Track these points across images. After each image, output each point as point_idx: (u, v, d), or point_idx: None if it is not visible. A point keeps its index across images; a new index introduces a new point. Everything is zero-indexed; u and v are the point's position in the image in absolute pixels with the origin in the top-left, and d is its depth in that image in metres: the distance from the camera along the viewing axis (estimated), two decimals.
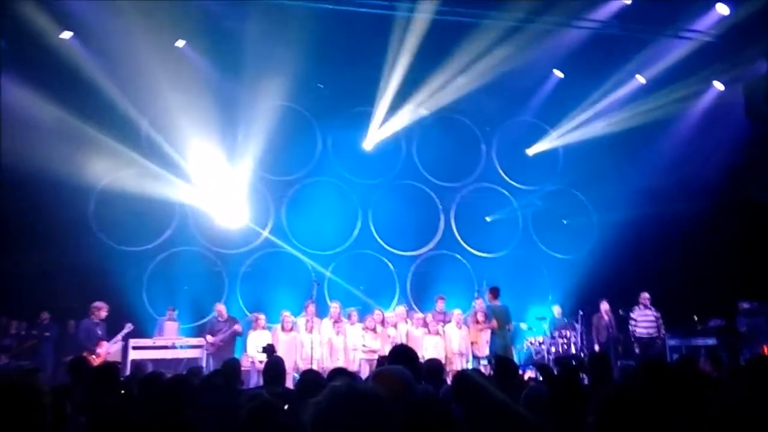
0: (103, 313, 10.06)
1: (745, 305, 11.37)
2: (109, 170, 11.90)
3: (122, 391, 5.08)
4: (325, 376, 5.21)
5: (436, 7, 10.99)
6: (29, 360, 10.11)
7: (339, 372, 5.79)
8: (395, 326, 11.07)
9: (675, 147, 13.40)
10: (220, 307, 11.00)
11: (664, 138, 13.60)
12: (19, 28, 10.31)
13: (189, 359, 9.92)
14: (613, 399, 2.01)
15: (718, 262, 12.24)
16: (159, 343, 10.27)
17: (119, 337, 10.04)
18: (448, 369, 9.31)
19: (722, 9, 11.55)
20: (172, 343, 10.27)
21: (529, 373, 8.79)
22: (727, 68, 12.75)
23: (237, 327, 10.70)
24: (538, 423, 3.59)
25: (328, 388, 2.12)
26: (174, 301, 11.34)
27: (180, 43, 11.87)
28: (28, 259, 10.73)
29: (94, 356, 9.36)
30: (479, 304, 11.27)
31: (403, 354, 4.16)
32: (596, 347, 11.27)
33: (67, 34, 11.07)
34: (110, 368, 5.14)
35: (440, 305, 11.65)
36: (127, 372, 9.01)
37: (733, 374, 5.28)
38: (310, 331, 10.45)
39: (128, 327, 10.15)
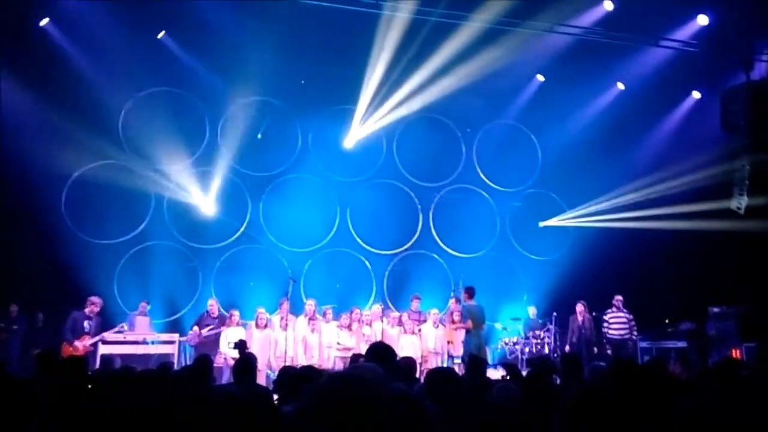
0: (96, 309, 9.94)
1: (715, 310, 11.61)
2: (84, 161, 11.71)
3: (89, 386, 4.99)
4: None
5: (420, 7, 10.98)
6: None
7: (310, 369, 5.76)
8: (370, 324, 11.05)
9: (653, 154, 13.58)
10: (213, 303, 10.90)
11: (641, 144, 13.77)
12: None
13: (160, 355, 9.78)
14: (578, 398, 2.01)
15: (690, 268, 12.45)
16: (129, 337, 10.10)
17: (106, 334, 9.90)
18: (423, 368, 9.32)
19: (702, 20, 11.73)
20: (143, 339, 10.12)
21: (498, 372, 8.83)
22: (706, 78, 12.96)
23: (223, 329, 10.51)
24: (510, 413, 3.60)
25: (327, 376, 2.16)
26: (147, 295, 11.17)
27: (161, 35, 11.73)
28: None
29: (71, 348, 9.23)
30: (454, 304, 11.30)
31: (380, 351, 4.13)
32: (567, 348, 11.40)
33: (44, 21, 10.85)
34: (77, 362, 5.04)
35: (415, 305, 11.65)
36: (96, 366, 8.86)
37: (701, 376, 5.36)
38: (285, 329, 10.37)
39: (121, 327, 10.05)
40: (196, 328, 10.49)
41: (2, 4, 9.99)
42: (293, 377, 4.68)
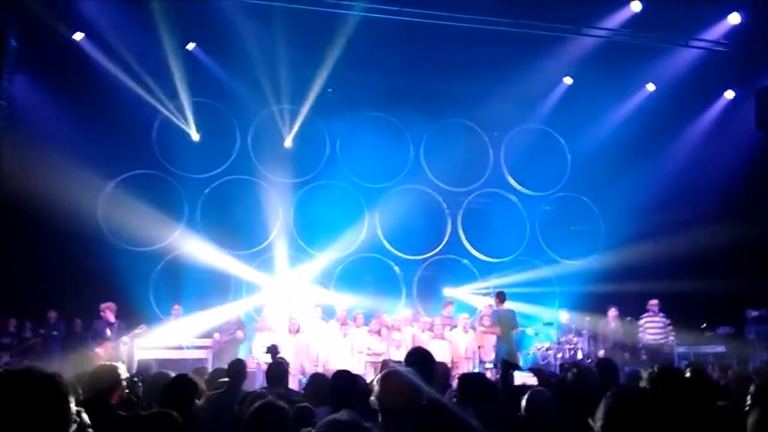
0: (109, 314, 10.10)
1: (754, 313, 11.33)
2: (119, 170, 12.01)
3: (126, 391, 5.09)
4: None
5: (448, 13, 11.00)
6: (35, 358, 10.17)
7: (342, 374, 5.79)
8: (399, 330, 11.05)
9: (685, 156, 13.35)
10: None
11: (674, 146, 13.54)
12: (31, 29, 10.39)
13: (194, 360, 9.90)
14: (623, 400, 2.00)
15: (727, 270, 12.16)
16: (165, 343, 10.26)
17: (126, 337, 10.07)
18: (454, 372, 9.28)
19: (734, 18, 11.50)
20: (179, 344, 10.27)
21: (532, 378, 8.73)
22: (738, 77, 12.71)
23: (239, 333, 10.63)
24: (543, 419, 3.57)
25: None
26: (181, 301, 11.34)
27: (191, 46, 11.96)
28: (37, 258, 10.82)
29: (93, 354, 9.41)
30: (486, 308, 11.26)
31: (419, 356, 4.12)
32: (601, 353, 11.21)
33: (79, 35, 11.14)
34: (110, 368, 5.13)
35: (448, 310, 11.62)
36: (134, 371, 9.01)
37: (739, 381, 5.24)
38: (316, 334, 10.45)
39: (141, 328, 10.19)
40: (216, 334, 10.59)
41: (35, 19, 10.28)
42: (324, 383, 4.73)
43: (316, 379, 5.31)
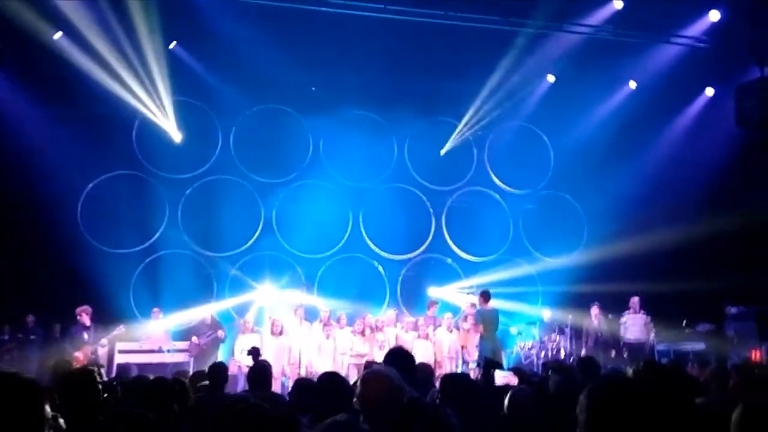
0: (86, 317, 9.95)
1: (733, 310, 11.44)
2: (98, 172, 11.85)
3: (104, 395, 5.00)
4: (315, 380, 5.14)
5: (429, 11, 10.99)
6: (13, 363, 10.00)
7: (329, 376, 5.73)
8: (383, 330, 11.01)
9: (666, 152, 13.45)
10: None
11: (655, 143, 13.64)
12: (9, 28, 10.20)
13: (175, 363, 9.81)
14: (607, 388, 1.98)
15: (708, 267, 12.28)
16: (145, 346, 10.14)
17: (104, 340, 9.93)
18: (438, 372, 9.25)
19: (714, 15, 11.61)
20: (159, 347, 10.15)
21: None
22: (718, 74, 12.82)
23: (220, 332, 10.59)
24: (524, 418, 3.56)
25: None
26: (161, 304, 11.22)
27: (172, 45, 11.83)
28: (15, 262, 10.65)
29: (73, 360, 9.26)
30: (469, 308, 11.25)
31: (398, 356, 4.11)
32: (583, 351, 11.26)
33: (58, 35, 10.97)
34: (86, 372, 5.04)
35: (433, 310, 11.60)
36: (113, 375, 8.90)
37: (720, 379, 5.27)
38: (299, 335, 10.37)
39: (119, 329, 10.05)
40: (194, 338, 10.47)
41: (14, 20, 10.10)
42: (310, 387, 4.66)
43: (302, 385, 5.24)
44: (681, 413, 3.21)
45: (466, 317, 11.05)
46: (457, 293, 13.08)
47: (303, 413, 4.04)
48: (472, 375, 7.80)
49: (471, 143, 14.05)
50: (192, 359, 10.17)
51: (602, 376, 5.18)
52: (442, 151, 13.76)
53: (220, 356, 10.40)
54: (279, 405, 5.32)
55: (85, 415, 4.03)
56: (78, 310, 9.94)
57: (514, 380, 5.23)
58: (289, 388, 9.96)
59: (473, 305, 11.20)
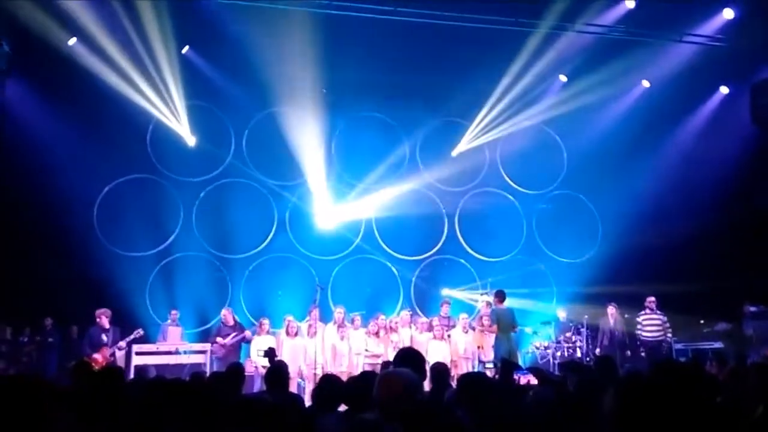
0: (105, 320, 10.04)
1: (752, 309, 11.36)
2: (114, 175, 11.97)
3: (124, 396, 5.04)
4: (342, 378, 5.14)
5: (441, 12, 10.98)
6: (31, 366, 10.12)
7: (328, 378, 5.74)
8: (397, 331, 11.02)
9: (681, 151, 13.36)
10: (226, 312, 10.94)
11: (670, 142, 13.55)
12: (24, 33, 10.33)
13: (192, 365, 9.87)
14: (634, 387, 1.99)
15: (725, 266, 12.18)
16: (162, 348, 10.21)
17: (122, 343, 10.01)
18: (454, 373, 9.26)
19: (728, 13, 11.53)
20: (176, 349, 10.22)
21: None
22: (733, 73, 12.72)
23: (247, 333, 10.65)
24: (544, 418, 3.56)
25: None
26: (178, 305, 11.29)
27: (185, 49, 11.92)
28: (32, 265, 10.76)
29: (92, 362, 9.34)
30: (484, 308, 11.25)
31: (409, 356, 4.14)
32: (598, 351, 11.22)
33: (72, 40, 11.08)
34: (111, 373, 5.10)
35: (445, 310, 11.60)
36: (131, 377, 8.97)
37: (740, 378, 5.23)
38: (313, 336, 10.40)
39: (137, 333, 10.13)
40: (219, 339, 10.52)
41: (28, 24, 10.22)
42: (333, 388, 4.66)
43: (329, 381, 5.25)
44: (702, 412, 3.20)
45: (481, 317, 11.03)
46: (469, 293, 13.08)
47: (327, 411, 4.07)
48: (489, 375, 7.79)
49: (483, 144, 14.01)
50: (212, 360, 10.22)
51: (628, 375, 5.15)
52: (454, 152, 13.75)
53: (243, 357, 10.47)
54: (298, 405, 5.35)
55: (107, 416, 4.08)
56: (98, 312, 10.03)
57: (533, 380, 5.22)
58: (305, 389, 10.07)
59: (488, 304, 11.20)
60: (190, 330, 11.53)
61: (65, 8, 10.36)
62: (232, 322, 10.81)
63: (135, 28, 10.80)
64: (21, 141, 10.96)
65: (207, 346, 10.46)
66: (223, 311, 10.99)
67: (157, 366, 9.37)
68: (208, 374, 8.96)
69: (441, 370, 5.38)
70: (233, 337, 10.55)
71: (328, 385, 4.47)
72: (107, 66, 11.17)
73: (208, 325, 11.81)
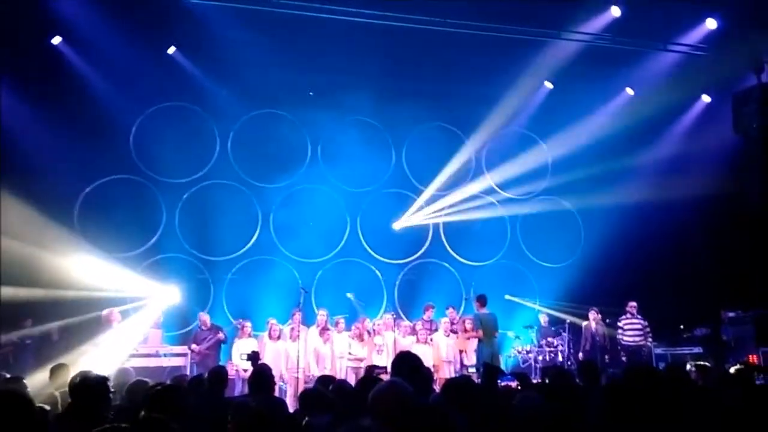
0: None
1: (730, 314, 11.52)
2: (95, 176, 11.82)
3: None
4: (311, 384, 5.13)
5: (427, 18, 11.01)
6: (8, 367, 9.92)
7: (326, 379, 5.73)
8: (381, 334, 11.00)
9: (664, 159, 13.51)
10: (204, 317, 10.85)
11: (652, 150, 13.69)
12: (8, 32, 10.18)
13: (173, 367, 9.76)
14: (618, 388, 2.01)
15: (704, 272, 12.34)
16: (142, 350, 10.10)
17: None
18: (436, 377, 9.27)
19: (711, 23, 11.72)
20: (156, 351, 10.11)
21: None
22: (715, 81, 12.90)
23: (220, 335, 10.60)
24: (531, 422, 3.57)
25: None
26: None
27: (171, 50, 11.82)
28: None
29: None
30: (451, 314, 11.54)
31: (406, 359, 4.08)
32: (580, 355, 11.32)
33: (57, 39, 10.95)
34: (101, 380, 5.00)
35: (429, 314, 11.60)
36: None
37: (719, 382, 5.31)
38: (295, 339, 10.34)
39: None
40: (194, 345, 10.41)
41: (13, 23, 10.08)
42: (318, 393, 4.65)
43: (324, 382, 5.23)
44: (680, 413, 3.25)
45: (464, 321, 11.05)
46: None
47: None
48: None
49: (469, 149, 14.06)
50: (192, 363, 10.12)
51: (616, 379, 5.19)
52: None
53: (221, 361, 10.37)
54: (281, 409, 5.32)
55: (96, 421, 4.02)
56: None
57: (514, 384, 5.24)
58: (287, 393, 10.00)
59: (452, 309, 11.59)
60: (171, 333, 11.42)
61: (50, 6, 10.24)
62: (208, 326, 10.75)
63: (121, 26, 10.67)
64: (3, 139, 10.77)
65: (188, 349, 10.36)
66: (201, 315, 10.92)
67: (136, 369, 9.23)
68: (188, 377, 8.88)
69: (424, 375, 5.36)
70: (208, 341, 10.47)
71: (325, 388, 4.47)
72: (92, 65, 11.04)
73: (189, 328, 11.69)
